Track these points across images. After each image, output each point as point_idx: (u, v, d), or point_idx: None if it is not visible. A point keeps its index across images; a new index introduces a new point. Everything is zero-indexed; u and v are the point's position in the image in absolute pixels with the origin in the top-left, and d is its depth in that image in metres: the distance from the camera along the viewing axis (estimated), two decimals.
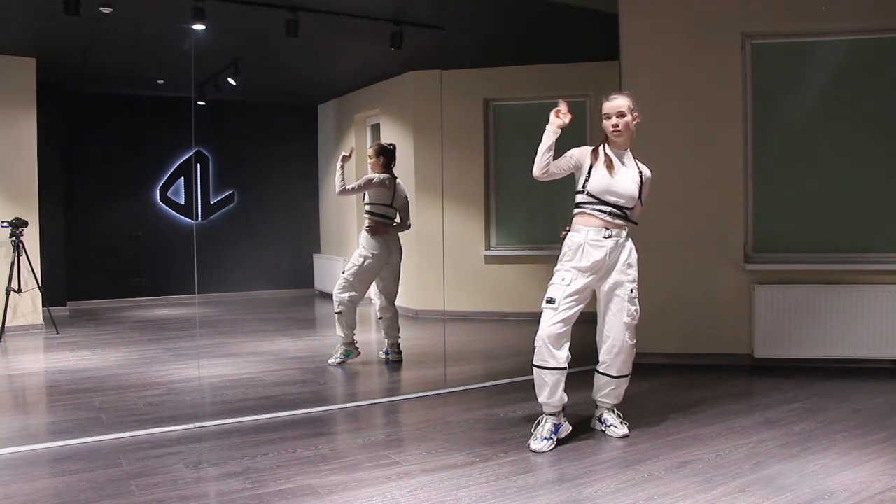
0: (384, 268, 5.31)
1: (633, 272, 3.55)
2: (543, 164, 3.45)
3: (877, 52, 5.10)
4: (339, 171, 5.22)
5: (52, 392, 4.80)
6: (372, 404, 4.36)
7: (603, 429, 3.69)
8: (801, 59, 5.22)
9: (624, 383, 3.65)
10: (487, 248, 7.40)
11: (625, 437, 3.61)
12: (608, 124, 3.50)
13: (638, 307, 3.57)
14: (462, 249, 7.22)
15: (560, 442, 3.50)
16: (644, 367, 5.16)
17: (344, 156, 5.26)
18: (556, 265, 3.53)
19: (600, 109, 3.54)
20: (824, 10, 4.96)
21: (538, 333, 3.41)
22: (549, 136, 3.46)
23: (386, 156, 5.34)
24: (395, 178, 5.35)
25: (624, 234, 3.52)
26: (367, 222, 5.31)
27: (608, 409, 3.70)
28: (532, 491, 2.95)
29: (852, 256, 5.09)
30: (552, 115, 3.46)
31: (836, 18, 4.99)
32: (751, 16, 5.12)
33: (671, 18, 5.21)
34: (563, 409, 3.55)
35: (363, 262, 5.24)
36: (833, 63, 5.15)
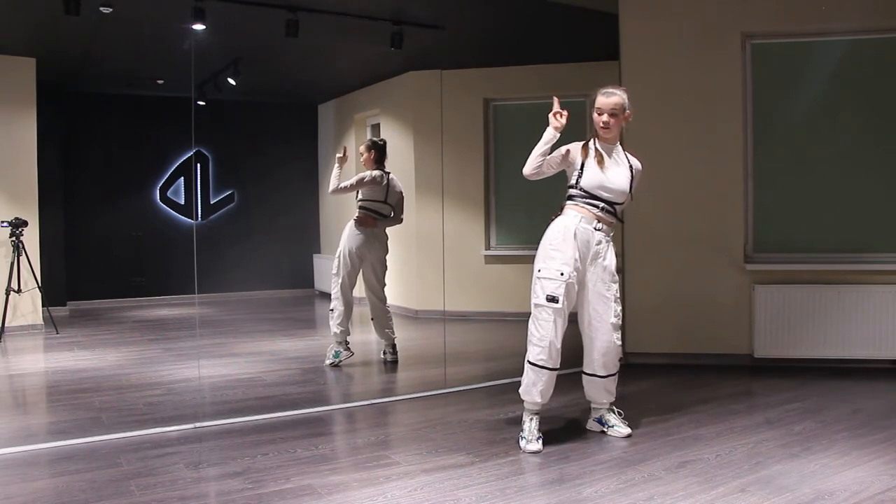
0: (364, 264, 5.29)
1: (615, 275, 3.55)
2: (536, 164, 3.45)
3: (877, 52, 5.09)
4: (336, 170, 5.22)
5: (52, 392, 4.80)
6: (372, 404, 4.36)
7: (603, 430, 3.68)
8: (801, 59, 5.22)
9: (613, 380, 3.65)
10: (487, 248, 7.40)
11: (628, 436, 3.61)
12: (599, 120, 3.50)
13: (620, 306, 3.57)
14: (462, 249, 7.22)
15: (560, 442, 3.51)
16: (644, 368, 5.17)
17: (339, 157, 5.27)
18: (540, 247, 3.49)
19: (593, 101, 3.51)
20: (824, 9, 4.96)
21: (543, 333, 3.39)
22: (548, 138, 3.46)
23: (377, 151, 5.33)
24: (388, 173, 5.34)
25: (611, 234, 3.54)
26: (356, 214, 5.32)
27: (607, 409, 3.70)
28: (532, 491, 2.95)
29: (852, 256, 5.09)
30: (551, 117, 3.47)
31: (836, 18, 4.98)
32: (751, 16, 5.12)
33: (671, 18, 5.21)
34: None
35: (338, 253, 5.29)
36: (833, 63, 5.15)
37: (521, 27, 6.16)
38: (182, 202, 7.82)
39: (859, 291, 4.97)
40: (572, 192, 3.53)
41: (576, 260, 3.42)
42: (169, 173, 7.79)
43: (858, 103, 5.14)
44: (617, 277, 3.56)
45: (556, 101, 3.48)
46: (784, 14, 5.07)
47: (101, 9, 5.05)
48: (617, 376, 3.65)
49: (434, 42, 6.19)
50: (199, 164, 7.78)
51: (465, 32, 6.26)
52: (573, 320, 3.58)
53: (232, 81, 6.59)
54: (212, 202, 7.78)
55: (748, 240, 5.26)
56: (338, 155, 5.27)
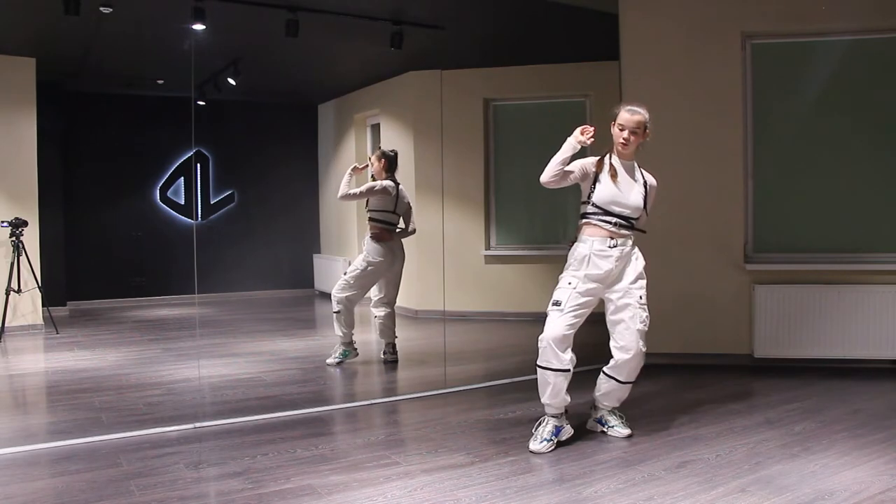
0: (387, 273, 5.32)
1: (642, 280, 3.55)
2: (554, 173, 3.44)
3: (877, 52, 5.09)
4: (346, 177, 5.23)
5: (52, 392, 4.80)
6: (372, 404, 4.36)
7: (603, 430, 3.68)
8: (801, 59, 5.22)
9: (628, 389, 3.64)
10: (487, 248, 7.41)
11: (628, 437, 3.61)
12: (619, 135, 3.48)
13: (648, 313, 3.56)
14: (462, 249, 7.22)
15: (560, 442, 3.50)
16: (644, 368, 5.13)
17: (356, 167, 5.31)
18: (561, 273, 3.53)
19: (614, 116, 3.49)
20: (824, 9, 4.96)
21: (543, 334, 3.41)
22: (568, 149, 3.44)
23: (388, 161, 5.34)
24: (398, 184, 5.35)
25: (630, 243, 3.52)
26: (370, 229, 5.31)
27: (608, 411, 3.70)
28: (532, 491, 2.95)
29: (852, 256, 5.09)
30: (578, 130, 3.46)
31: (836, 18, 4.98)
32: (751, 16, 5.12)
33: (671, 18, 5.21)
34: (566, 411, 3.55)
35: (366, 267, 5.25)
36: (833, 63, 5.15)
37: (521, 27, 6.16)
38: (182, 202, 7.81)
39: (859, 291, 4.97)
40: (585, 208, 3.52)
41: (588, 277, 3.44)
42: (169, 173, 7.79)
43: (858, 103, 5.14)
44: (643, 283, 3.54)
45: (593, 128, 3.46)
46: (784, 14, 5.07)
47: (101, 9, 5.05)
48: (631, 386, 3.64)
49: (434, 42, 6.19)
50: (199, 164, 7.77)
51: (465, 32, 6.26)
52: (590, 321, 3.57)
53: (232, 81, 6.59)
54: (212, 202, 7.78)
55: (748, 240, 5.26)
56: (356, 165, 5.34)
